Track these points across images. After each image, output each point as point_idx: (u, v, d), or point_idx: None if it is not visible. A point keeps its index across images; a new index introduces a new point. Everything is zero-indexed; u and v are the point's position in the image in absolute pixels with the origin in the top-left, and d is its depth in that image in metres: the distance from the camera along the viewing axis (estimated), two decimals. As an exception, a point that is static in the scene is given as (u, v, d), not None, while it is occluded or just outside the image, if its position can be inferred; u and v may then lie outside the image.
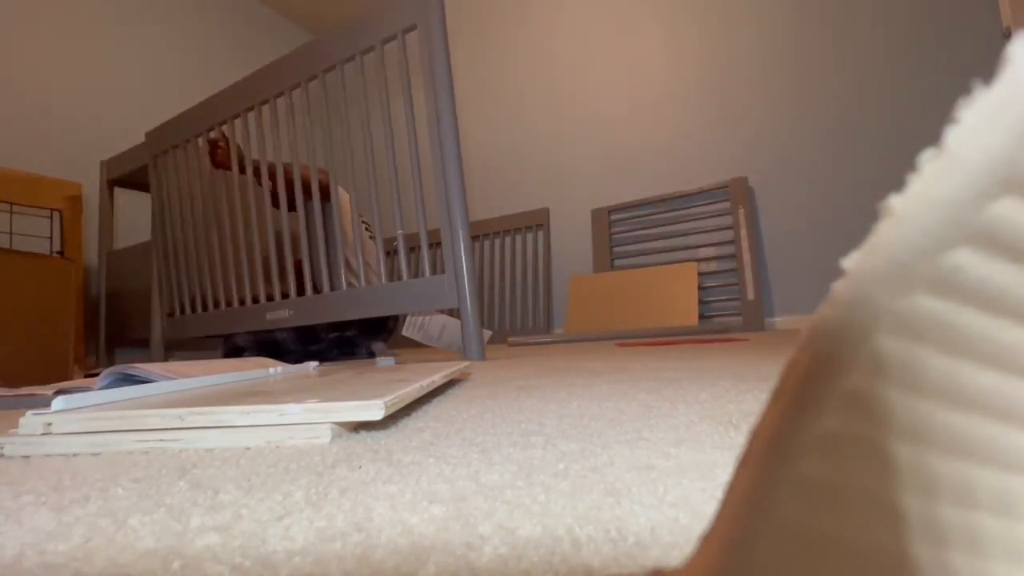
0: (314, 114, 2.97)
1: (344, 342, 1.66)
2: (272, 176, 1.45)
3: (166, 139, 1.68)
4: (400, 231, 1.17)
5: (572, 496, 0.19)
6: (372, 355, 1.67)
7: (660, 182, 2.42)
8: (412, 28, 1.15)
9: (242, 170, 1.49)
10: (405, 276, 1.17)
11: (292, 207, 1.45)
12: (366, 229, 1.65)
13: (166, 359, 1.84)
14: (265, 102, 1.42)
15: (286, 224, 1.39)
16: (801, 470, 0.08)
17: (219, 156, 1.49)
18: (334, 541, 0.16)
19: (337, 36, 1.26)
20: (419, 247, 3.01)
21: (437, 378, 0.50)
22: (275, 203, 1.46)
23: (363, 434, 0.34)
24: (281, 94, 1.39)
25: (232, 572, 0.14)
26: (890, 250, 0.07)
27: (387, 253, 3.05)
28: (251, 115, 1.54)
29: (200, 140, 1.58)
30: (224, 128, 1.52)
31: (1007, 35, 1.53)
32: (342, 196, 1.56)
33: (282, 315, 1.35)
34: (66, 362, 1.22)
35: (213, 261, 1.56)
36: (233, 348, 1.54)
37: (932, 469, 0.07)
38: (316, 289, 1.49)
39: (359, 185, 3.40)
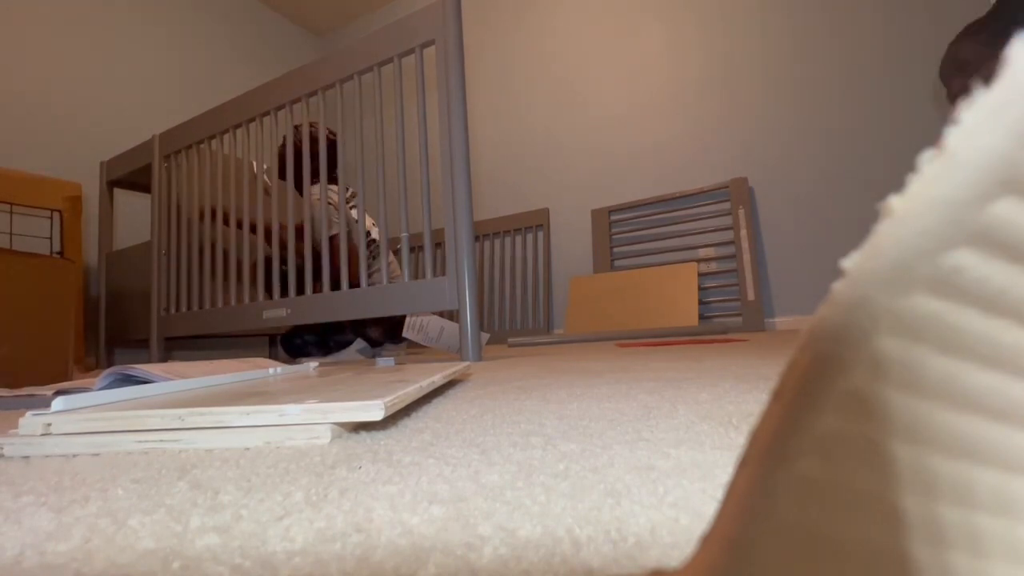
0: (328, 119, 2.97)
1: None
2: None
3: (179, 140, 1.68)
4: (404, 233, 1.18)
5: (572, 497, 0.19)
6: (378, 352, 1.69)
7: (660, 182, 2.42)
8: (430, 43, 1.17)
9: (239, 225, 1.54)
10: (406, 277, 1.17)
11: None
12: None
13: (166, 359, 1.84)
14: (281, 108, 1.44)
15: (292, 232, 1.38)
16: (801, 470, 0.08)
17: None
18: (334, 542, 0.16)
19: (356, 48, 1.28)
20: (418, 248, 3.01)
21: (437, 379, 0.50)
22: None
23: (363, 434, 0.34)
24: (298, 100, 1.40)
25: (232, 573, 0.14)
26: (890, 250, 0.07)
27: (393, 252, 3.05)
28: (266, 120, 1.58)
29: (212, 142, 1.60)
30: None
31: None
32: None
33: (279, 314, 1.35)
34: (66, 362, 1.22)
35: (215, 262, 1.56)
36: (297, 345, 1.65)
37: (932, 469, 0.07)
38: (315, 288, 1.49)
39: (367, 188, 3.40)
